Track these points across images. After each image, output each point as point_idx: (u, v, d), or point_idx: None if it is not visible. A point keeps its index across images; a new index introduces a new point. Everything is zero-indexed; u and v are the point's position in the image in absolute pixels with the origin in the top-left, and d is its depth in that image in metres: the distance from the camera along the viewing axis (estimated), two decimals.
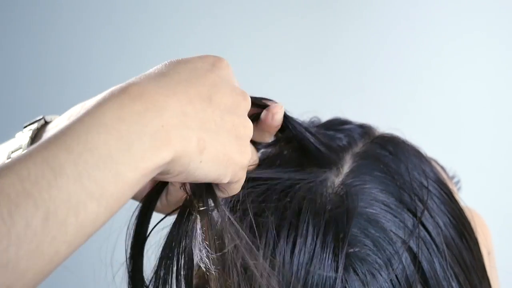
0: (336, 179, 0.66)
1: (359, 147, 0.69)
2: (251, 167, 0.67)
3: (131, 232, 0.65)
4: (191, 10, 1.77)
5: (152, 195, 0.66)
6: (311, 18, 1.70)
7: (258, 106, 0.67)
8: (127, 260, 0.65)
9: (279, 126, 0.67)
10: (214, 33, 1.74)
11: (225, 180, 0.58)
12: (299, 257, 0.61)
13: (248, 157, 0.60)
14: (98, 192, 0.49)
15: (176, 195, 0.68)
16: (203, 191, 0.60)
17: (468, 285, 0.64)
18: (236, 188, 0.61)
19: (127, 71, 1.85)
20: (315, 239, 0.62)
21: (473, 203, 0.73)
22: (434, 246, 0.64)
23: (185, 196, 0.62)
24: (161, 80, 0.55)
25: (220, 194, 0.61)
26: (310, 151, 0.67)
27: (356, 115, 0.76)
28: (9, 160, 0.49)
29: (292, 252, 0.62)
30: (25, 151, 0.49)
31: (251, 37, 1.73)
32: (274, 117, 0.67)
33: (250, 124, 0.60)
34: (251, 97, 0.63)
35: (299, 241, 0.62)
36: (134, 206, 0.67)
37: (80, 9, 1.83)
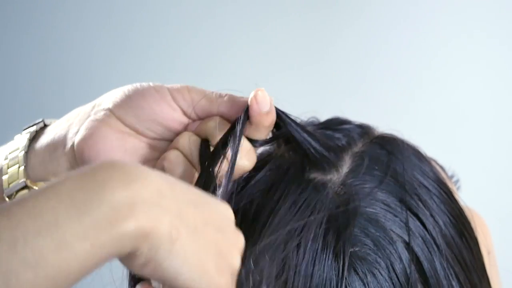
0: (335, 179, 0.66)
1: (358, 147, 0.69)
2: (250, 167, 0.67)
3: None
4: (191, 10, 1.77)
5: None
6: (310, 18, 1.70)
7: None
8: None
9: (273, 118, 0.66)
10: (213, 33, 1.74)
11: None
12: (301, 259, 0.62)
13: (225, 282, 0.54)
14: (34, 261, 0.45)
15: None
16: None
17: (468, 284, 0.64)
18: None
19: (127, 71, 1.86)
20: (316, 239, 0.62)
21: (472, 203, 0.73)
22: (434, 245, 0.64)
23: None
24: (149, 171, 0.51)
25: None
26: (308, 151, 0.67)
27: (355, 115, 0.76)
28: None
29: (293, 253, 0.62)
30: None
31: (250, 37, 1.73)
32: (259, 103, 0.64)
33: (237, 259, 0.55)
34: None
35: (300, 242, 0.62)
36: None
37: (79, 9, 1.83)
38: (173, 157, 0.64)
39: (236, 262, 0.55)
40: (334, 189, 0.65)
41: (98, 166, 0.48)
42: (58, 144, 0.69)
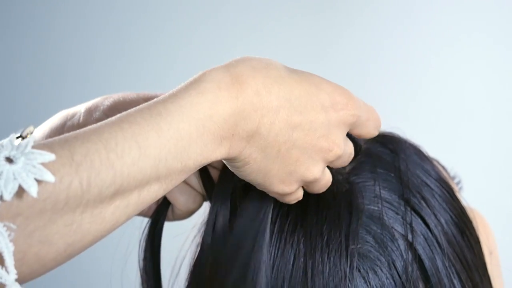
0: (338, 176, 0.66)
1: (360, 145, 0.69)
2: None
3: (144, 243, 0.69)
4: (191, 10, 1.77)
5: (160, 210, 0.69)
6: (310, 19, 1.70)
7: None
8: (141, 270, 0.67)
9: None
10: (212, 33, 1.74)
11: (273, 194, 0.61)
12: (303, 256, 0.62)
13: (287, 193, 0.61)
14: (165, 177, 0.52)
15: (179, 213, 0.70)
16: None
17: (470, 283, 0.64)
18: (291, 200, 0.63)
19: (126, 71, 1.85)
20: (318, 237, 0.62)
21: (474, 203, 0.73)
22: (435, 244, 0.64)
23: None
24: (267, 83, 0.57)
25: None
26: None
27: None
28: (98, 124, 0.50)
29: (297, 251, 0.62)
30: (117, 116, 0.51)
31: (250, 38, 1.73)
32: None
33: (314, 172, 0.60)
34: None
35: (303, 239, 0.62)
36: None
37: (78, 9, 1.83)
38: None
39: (311, 172, 0.60)
40: (336, 186, 0.65)
41: (233, 88, 0.55)
42: None
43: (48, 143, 0.48)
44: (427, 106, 1.65)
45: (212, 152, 0.54)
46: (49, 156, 0.46)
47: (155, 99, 0.53)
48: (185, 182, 0.68)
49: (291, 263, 0.62)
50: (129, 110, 0.52)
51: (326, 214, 0.63)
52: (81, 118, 0.69)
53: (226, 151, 0.55)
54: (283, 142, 0.57)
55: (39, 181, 0.46)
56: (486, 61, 1.62)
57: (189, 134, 0.52)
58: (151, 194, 0.52)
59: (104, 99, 0.69)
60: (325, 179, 0.61)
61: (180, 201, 0.68)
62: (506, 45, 1.61)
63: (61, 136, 0.49)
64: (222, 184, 0.66)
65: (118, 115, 0.51)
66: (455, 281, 0.63)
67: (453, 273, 0.63)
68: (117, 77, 1.76)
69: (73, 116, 0.70)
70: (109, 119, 0.51)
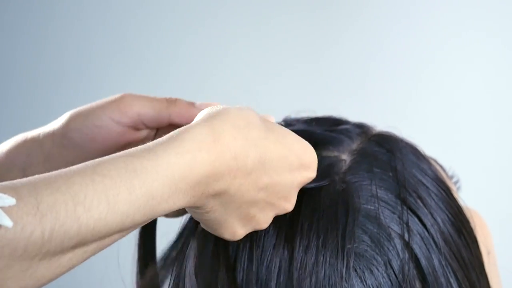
0: (334, 176, 0.66)
1: (356, 144, 0.69)
2: None
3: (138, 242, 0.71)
4: (189, 10, 1.77)
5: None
6: (307, 18, 1.70)
7: None
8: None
9: None
10: (211, 33, 1.74)
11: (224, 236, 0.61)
12: (299, 256, 0.62)
13: (235, 239, 0.62)
14: (128, 229, 0.52)
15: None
16: None
17: (467, 282, 0.64)
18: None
19: (125, 71, 1.85)
20: (314, 236, 0.62)
21: (472, 203, 0.73)
22: (432, 243, 0.64)
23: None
24: (242, 141, 0.57)
25: None
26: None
27: (354, 115, 0.76)
28: (70, 171, 0.49)
29: (292, 251, 0.62)
30: (91, 164, 0.50)
31: (248, 37, 1.73)
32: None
33: (266, 224, 0.62)
34: None
35: (299, 239, 0.62)
36: None
37: (77, 9, 1.83)
38: None
39: (263, 225, 0.62)
40: (332, 186, 0.65)
41: (209, 151, 0.55)
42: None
43: (14, 185, 0.47)
44: (425, 105, 1.65)
45: (177, 205, 0.54)
46: (10, 200, 0.45)
47: (133, 151, 0.52)
48: None
49: (287, 263, 0.62)
50: (104, 158, 0.51)
51: (323, 214, 0.63)
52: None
53: (191, 203, 0.55)
54: (246, 201, 0.58)
55: None
56: (483, 60, 1.62)
57: (161, 194, 0.52)
58: (111, 242, 0.51)
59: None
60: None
61: None
62: (504, 43, 1.61)
63: (31, 178, 0.48)
64: None
65: (92, 162, 0.50)
66: (452, 280, 0.63)
67: (449, 272, 0.63)
68: (117, 77, 1.76)
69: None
70: (83, 166, 0.50)
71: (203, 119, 0.56)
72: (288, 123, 0.71)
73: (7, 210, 0.45)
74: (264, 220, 0.61)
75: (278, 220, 0.63)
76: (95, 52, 1.82)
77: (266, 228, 0.63)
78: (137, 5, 1.80)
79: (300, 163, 0.61)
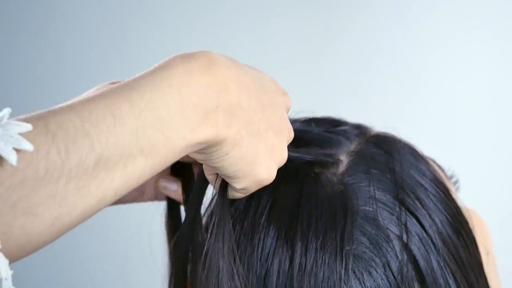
0: (332, 177, 0.66)
1: (354, 145, 0.69)
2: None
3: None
4: (189, 9, 1.77)
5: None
6: (307, 19, 1.70)
7: None
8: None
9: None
10: (210, 32, 1.74)
11: (238, 186, 0.60)
12: (298, 258, 0.62)
13: (271, 179, 0.61)
14: (148, 150, 0.51)
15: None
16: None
17: (465, 283, 0.64)
18: (237, 196, 0.63)
19: (125, 71, 1.85)
20: (313, 238, 0.62)
21: (472, 204, 0.73)
22: (430, 244, 0.64)
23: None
24: (232, 63, 0.57)
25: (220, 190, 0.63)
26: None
27: (353, 115, 0.76)
28: (70, 101, 0.51)
29: (292, 252, 0.62)
30: (87, 94, 0.52)
31: (247, 37, 1.73)
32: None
33: (286, 154, 0.62)
34: None
35: (297, 240, 0.62)
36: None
37: (77, 9, 1.83)
38: None
39: (285, 157, 0.62)
40: (330, 187, 0.65)
41: (203, 63, 0.55)
42: None
43: (22, 117, 0.48)
44: (424, 105, 1.65)
45: (197, 126, 0.54)
46: (26, 126, 0.47)
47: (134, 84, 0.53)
48: None
49: (287, 265, 0.62)
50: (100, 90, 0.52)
51: (321, 215, 0.63)
52: None
53: (215, 129, 0.55)
54: (260, 120, 0.58)
55: (17, 150, 0.46)
56: (483, 60, 1.62)
57: (164, 103, 0.52)
58: (137, 170, 0.51)
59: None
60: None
61: None
62: (506, 43, 1.61)
63: (35, 112, 0.49)
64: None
65: (87, 94, 0.52)
66: (450, 281, 0.63)
67: (448, 273, 0.63)
68: (116, 77, 1.76)
69: None
70: (80, 97, 0.51)
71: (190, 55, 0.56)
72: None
73: (23, 136, 0.46)
74: (283, 149, 0.61)
75: (278, 221, 0.63)
76: (95, 52, 1.82)
77: (266, 229, 0.63)
78: (137, 5, 1.80)
79: (282, 90, 0.63)
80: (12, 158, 0.45)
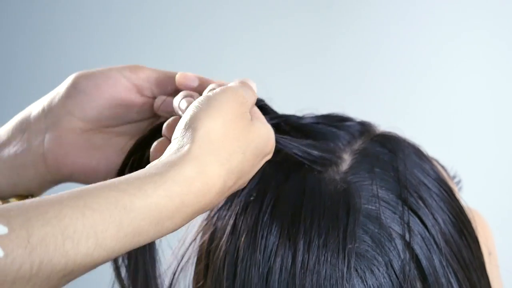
0: (335, 176, 0.66)
1: (358, 144, 0.69)
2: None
3: None
4: (188, 9, 1.77)
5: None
6: (309, 17, 1.70)
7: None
8: None
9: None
10: (211, 32, 1.74)
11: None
12: (301, 256, 0.62)
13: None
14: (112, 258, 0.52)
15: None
16: None
17: (467, 283, 0.64)
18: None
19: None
20: (316, 236, 0.62)
21: (474, 204, 0.73)
22: (433, 243, 0.64)
23: None
24: (216, 162, 0.57)
25: None
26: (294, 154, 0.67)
27: (356, 114, 0.76)
28: (62, 201, 0.49)
29: (294, 250, 0.62)
30: (81, 193, 0.50)
31: (249, 36, 1.73)
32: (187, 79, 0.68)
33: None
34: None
35: (299, 238, 0.62)
36: None
37: (77, 9, 1.83)
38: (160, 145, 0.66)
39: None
40: (334, 185, 0.65)
41: (193, 184, 0.56)
42: (24, 161, 0.69)
43: (7, 213, 0.47)
44: (427, 105, 1.65)
45: (163, 234, 0.55)
46: (2, 229, 0.46)
47: (123, 185, 0.53)
48: None
49: (289, 262, 0.62)
50: (95, 187, 0.52)
51: (324, 214, 0.63)
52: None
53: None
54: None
55: None
56: (486, 59, 1.62)
57: (147, 232, 0.53)
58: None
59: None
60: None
61: None
62: (505, 43, 1.61)
63: (23, 206, 0.48)
64: None
65: (83, 191, 0.51)
66: (453, 280, 0.63)
67: (450, 272, 0.63)
68: None
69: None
70: (74, 196, 0.50)
71: (189, 156, 0.56)
72: (296, 124, 0.71)
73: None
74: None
75: (281, 219, 0.63)
76: (95, 52, 1.82)
77: (269, 227, 0.63)
78: (137, 5, 1.80)
79: (267, 152, 0.63)
80: None
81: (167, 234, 0.55)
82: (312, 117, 0.72)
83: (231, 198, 0.66)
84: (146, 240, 0.53)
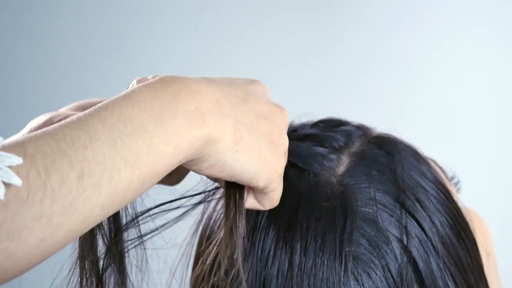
0: (332, 178, 0.66)
1: (356, 147, 0.69)
2: None
3: None
4: (188, 9, 1.77)
5: None
6: (307, 19, 1.70)
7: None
8: None
9: None
10: (210, 32, 1.74)
11: (261, 182, 0.58)
12: (298, 259, 0.61)
13: (283, 164, 0.60)
14: (132, 159, 0.50)
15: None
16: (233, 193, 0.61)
17: (465, 285, 0.64)
18: (275, 199, 0.61)
19: (124, 72, 1.85)
20: (312, 239, 0.62)
21: (473, 205, 0.73)
22: (430, 246, 0.63)
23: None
24: (195, 78, 0.56)
25: (259, 206, 0.61)
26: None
27: (354, 116, 0.76)
28: (40, 130, 0.50)
29: (291, 254, 0.62)
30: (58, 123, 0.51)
31: (247, 37, 1.73)
32: None
33: (286, 137, 0.60)
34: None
35: (296, 241, 0.62)
36: None
37: (77, 9, 1.83)
38: None
39: (286, 141, 0.61)
40: (330, 188, 0.64)
41: (165, 80, 0.54)
42: None
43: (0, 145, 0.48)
44: (425, 105, 1.65)
45: (182, 129, 0.53)
46: (17, 160, 0.46)
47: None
48: None
49: (286, 266, 0.62)
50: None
51: (320, 216, 0.63)
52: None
53: (205, 128, 0.54)
54: (247, 111, 0.58)
55: (6, 184, 0.45)
56: (484, 60, 1.62)
57: (137, 115, 0.51)
58: (123, 182, 0.50)
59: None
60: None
61: None
62: (505, 43, 1.61)
63: (12, 139, 0.49)
64: None
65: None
66: (450, 283, 0.63)
67: (448, 275, 0.63)
68: (114, 77, 1.77)
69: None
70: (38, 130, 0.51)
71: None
72: (295, 129, 0.71)
73: (12, 168, 0.46)
74: (279, 131, 0.60)
75: (277, 222, 0.63)
76: (95, 52, 1.82)
77: (266, 230, 0.63)
78: (137, 5, 1.80)
79: (250, 80, 0.61)
80: (0, 192, 0.45)
81: (183, 120, 0.53)
82: (309, 123, 0.72)
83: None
84: (145, 128, 0.51)
